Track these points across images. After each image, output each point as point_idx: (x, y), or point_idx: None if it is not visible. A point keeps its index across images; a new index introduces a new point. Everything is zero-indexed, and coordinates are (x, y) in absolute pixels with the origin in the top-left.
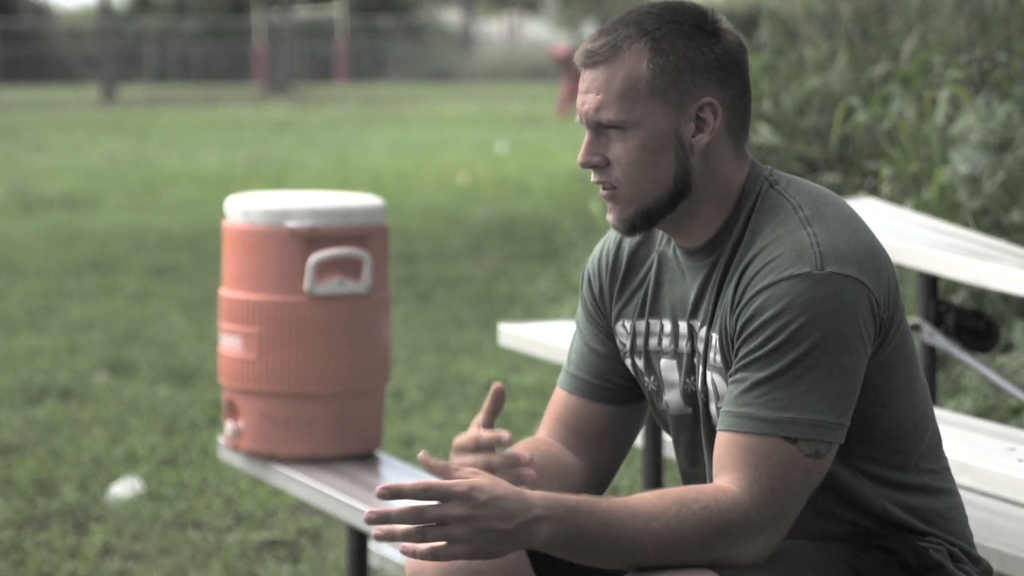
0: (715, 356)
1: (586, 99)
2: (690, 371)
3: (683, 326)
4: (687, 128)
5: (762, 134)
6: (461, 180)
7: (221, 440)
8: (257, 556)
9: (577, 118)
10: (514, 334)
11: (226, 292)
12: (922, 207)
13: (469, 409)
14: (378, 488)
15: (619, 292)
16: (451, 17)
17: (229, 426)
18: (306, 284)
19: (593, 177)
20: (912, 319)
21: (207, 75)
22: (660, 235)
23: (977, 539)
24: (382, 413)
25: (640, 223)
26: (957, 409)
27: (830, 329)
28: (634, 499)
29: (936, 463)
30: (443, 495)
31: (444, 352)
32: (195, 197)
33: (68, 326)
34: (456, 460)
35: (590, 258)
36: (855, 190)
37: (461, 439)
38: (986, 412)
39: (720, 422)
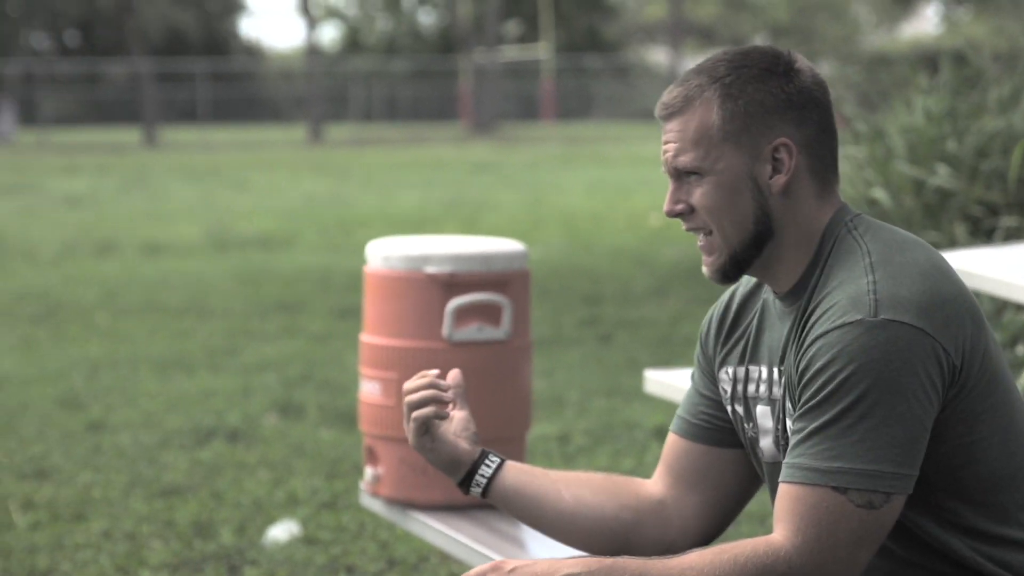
0: (788, 403)
1: (667, 148)
2: (778, 418)
3: (776, 372)
4: (763, 170)
5: (941, 176)
6: (654, 221)
7: (362, 485)
8: None
9: (662, 169)
10: (660, 380)
11: (366, 337)
12: None
13: (635, 455)
14: None
15: (725, 339)
16: (658, 57)
17: (369, 472)
18: (445, 330)
19: (684, 225)
20: None
21: (413, 115)
22: (765, 284)
23: None
24: (523, 459)
25: (731, 269)
26: None
27: (881, 377)
28: (676, 556)
29: None
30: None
31: (616, 396)
32: (388, 237)
33: (245, 367)
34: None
35: (709, 310)
36: None
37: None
38: None
39: (780, 474)
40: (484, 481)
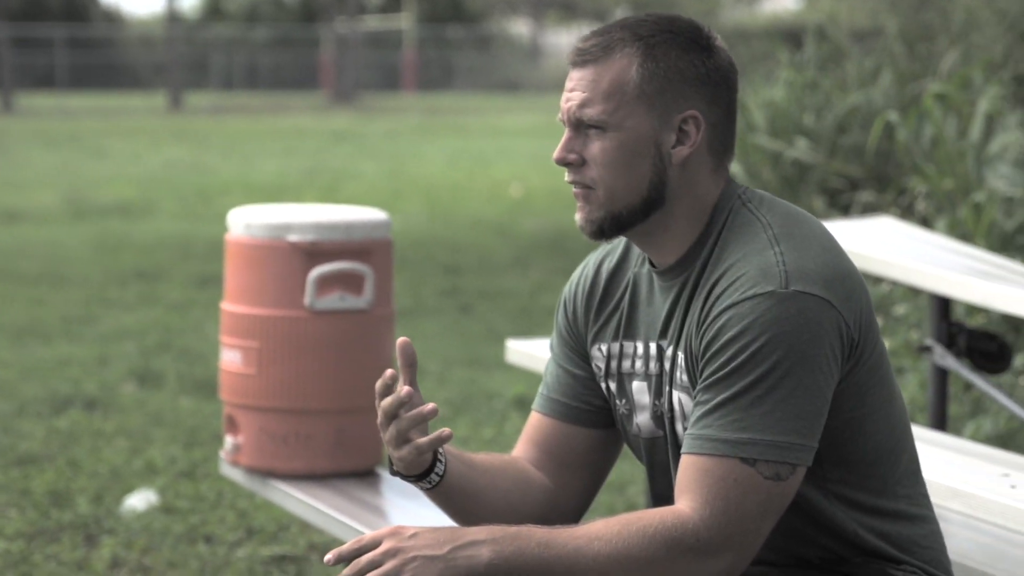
0: (681, 376)
1: (571, 96)
2: (659, 392)
3: (653, 347)
4: (668, 138)
5: (800, 148)
6: (514, 192)
7: (222, 454)
8: (265, 571)
9: (559, 116)
10: (522, 351)
11: (227, 306)
12: (956, 226)
13: (494, 424)
14: (326, 558)
15: (595, 315)
16: (520, 28)
17: (229, 441)
18: (307, 299)
19: (567, 176)
20: (924, 340)
21: (274, 84)
22: (635, 257)
23: (976, 565)
24: None
25: (608, 227)
26: (976, 433)
27: (793, 348)
28: (581, 524)
29: (913, 488)
30: (372, 542)
31: (476, 366)
32: (248, 205)
33: (103, 336)
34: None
35: (568, 283)
36: (890, 207)
37: (380, 383)
38: (1007, 437)
39: (683, 445)
40: (437, 479)
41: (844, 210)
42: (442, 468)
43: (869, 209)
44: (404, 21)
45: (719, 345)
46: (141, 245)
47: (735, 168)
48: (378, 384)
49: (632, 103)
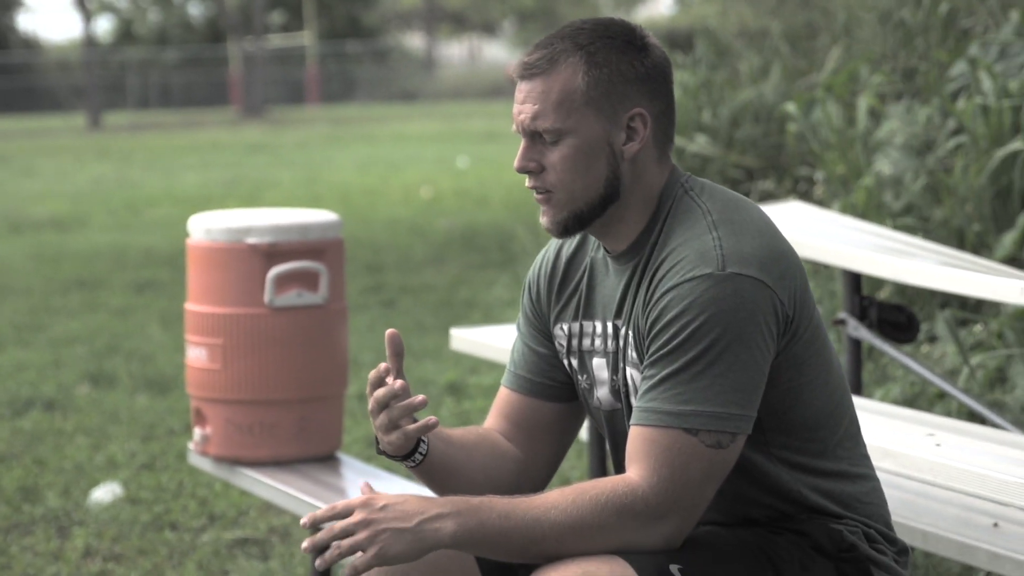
0: (632, 353)
1: (523, 109)
2: (615, 369)
3: (610, 326)
4: (619, 136)
5: (699, 143)
6: (425, 194)
7: (191, 446)
8: (229, 554)
9: (513, 127)
10: (465, 338)
11: (191, 306)
12: (849, 208)
13: (430, 409)
14: (302, 520)
15: (556, 297)
16: (415, 42)
17: (197, 432)
18: (266, 297)
19: (528, 182)
20: (838, 314)
21: (187, 102)
22: (592, 242)
23: (902, 519)
24: (342, 417)
25: (572, 225)
26: (885, 397)
27: (730, 326)
28: (539, 495)
29: (854, 450)
30: (345, 510)
31: (407, 356)
32: (175, 216)
33: (53, 341)
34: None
35: (531, 267)
36: (787, 195)
37: (374, 374)
38: (912, 399)
39: (631, 417)
40: (421, 457)
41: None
42: (425, 448)
43: (767, 197)
44: (306, 38)
45: (662, 324)
46: (78, 256)
47: None
48: (372, 375)
49: (582, 109)
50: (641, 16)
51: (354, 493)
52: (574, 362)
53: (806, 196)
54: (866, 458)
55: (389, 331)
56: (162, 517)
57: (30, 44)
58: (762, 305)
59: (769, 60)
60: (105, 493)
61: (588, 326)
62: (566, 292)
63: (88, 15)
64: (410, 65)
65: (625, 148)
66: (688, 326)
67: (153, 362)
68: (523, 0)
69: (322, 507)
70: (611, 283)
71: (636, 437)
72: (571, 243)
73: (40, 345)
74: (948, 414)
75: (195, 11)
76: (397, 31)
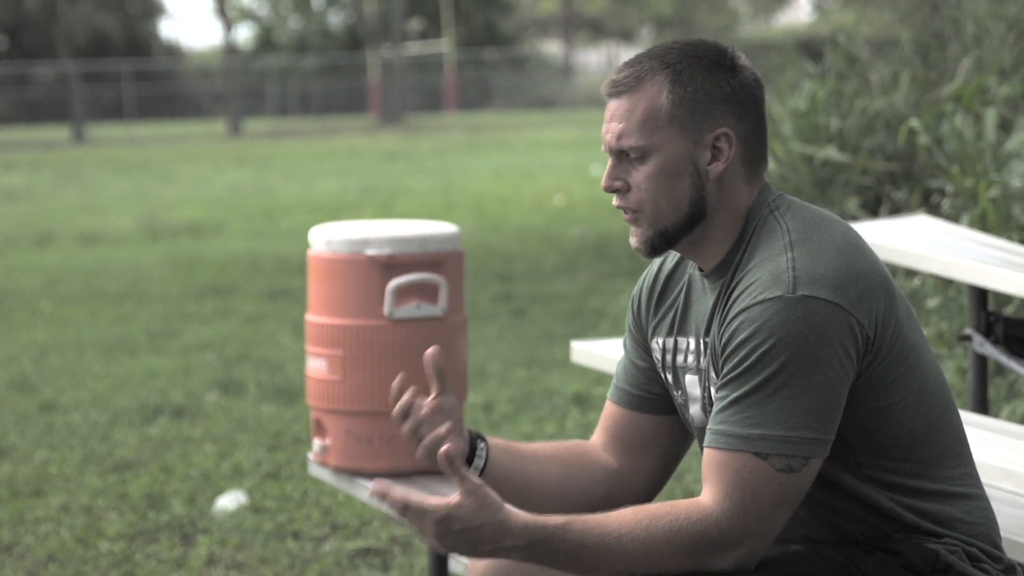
0: (712, 372)
1: (609, 127)
2: (704, 386)
3: (702, 343)
4: (703, 156)
5: (828, 152)
6: (558, 202)
7: (311, 456)
8: (351, 564)
9: (602, 146)
10: (586, 351)
11: (312, 317)
12: (977, 221)
13: (556, 420)
14: (371, 490)
15: (655, 311)
16: (552, 48)
17: (317, 443)
18: (386, 308)
19: (615, 201)
20: (964, 329)
21: (325, 109)
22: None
23: (1017, 538)
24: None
25: (659, 244)
26: (1012, 414)
27: (800, 349)
28: (611, 516)
29: (956, 469)
30: (419, 514)
31: (535, 366)
32: (309, 223)
33: (185, 348)
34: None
35: (637, 282)
36: (918, 206)
37: (396, 409)
38: None
39: (704, 439)
40: (477, 472)
41: (874, 208)
42: (481, 462)
43: (898, 207)
44: (444, 46)
45: (733, 346)
46: (213, 262)
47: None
48: (398, 408)
49: (666, 128)
50: (780, 23)
51: None
52: (669, 377)
53: (936, 208)
54: (971, 476)
55: (429, 350)
56: (285, 526)
57: (172, 51)
58: (836, 327)
59: (899, 70)
60: (230, 501)
61: (682, 342)
62: (664, 307)
63: (228, 23)
64: (547, 72)
65: (710, 168)
66: (757, 349)
67: (282, 370)
68: (661, 7)
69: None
70: (705, 301)
71: (708, 460)
72: (672, 259)
73: (172, 352)
74: None
75: (335, 19)
76: (535, 38)
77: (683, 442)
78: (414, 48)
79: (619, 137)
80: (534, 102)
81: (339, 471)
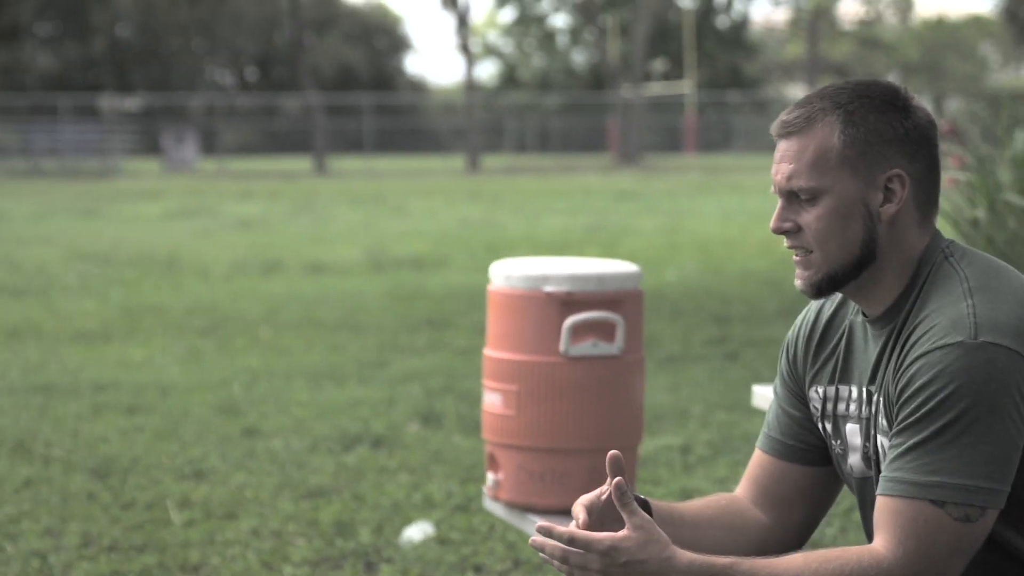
0: (882, 420)
1: (780, 168)
2: (867, 435)
3: (864, 392)
4: (875, 198)
5: None
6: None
7: (485, 490)
8: None
9: (772, 188)
10: (768, 395)
11: (489, 352)
12: None
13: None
14: (536, 526)
15: (813, 359)
16: (796, 92)
17: (490, 477)
18: (562, 345)
19: (786, 242)
20: None
21: (565, 146)
22: (852, 306)
23: None
24: (635, 468)
25: (826, 286)
26: None
27: (981, 396)
28: (781, 559)
29: None
30: (585, 546)
31: (737, 410)
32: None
33: (392, 378)
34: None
35: (791, 328)
36: None
37: (584, 501)
38: None
39: (878, 486)
40: None
41: None
42: None
43: None
44: (686, 87)
45: (911, 392)
46: (432, 295)
47: (981, 214)
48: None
49: (837, 169)
50: None
51: None
52: (828, 426)
53: None
54: None
55: (611, 453)
56: (468, 559)
57: (416, 86)
58: (1016, 376)
59: None
60: (417, 532)
61: (844, 390)
62: (823, 354)
63: (472, 59)
64: None
65: (882, 209)
66: (937, 395)
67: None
68: (908, 52)
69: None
70: (868, 348)
71: (882, 507)
72: (831, 305)
73: (379, 382)
74: None
75: (578, 58)
76: (778, 82)
77: (833, 493)
78: (656, 88)
79: (789, 178)
80: (775, 145)
81: (511, 506)
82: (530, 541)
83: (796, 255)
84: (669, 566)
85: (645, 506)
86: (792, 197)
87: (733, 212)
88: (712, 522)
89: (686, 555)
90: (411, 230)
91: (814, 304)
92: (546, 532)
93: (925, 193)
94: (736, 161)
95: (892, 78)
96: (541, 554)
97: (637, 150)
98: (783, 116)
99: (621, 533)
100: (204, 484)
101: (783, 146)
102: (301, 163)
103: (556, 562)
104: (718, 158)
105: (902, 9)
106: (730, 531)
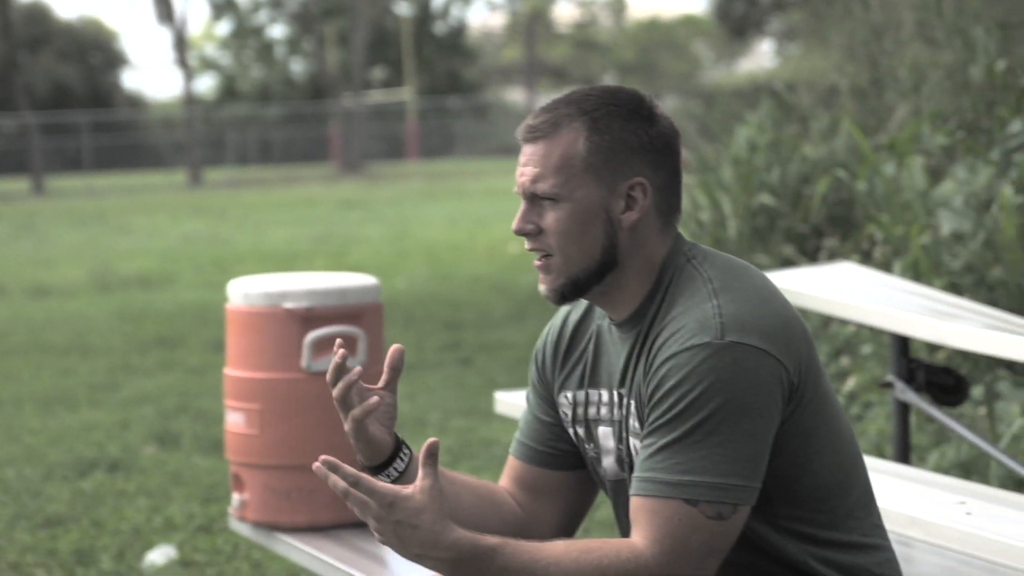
0: (634, 423)
1: (524, 171)
2: (620, 438)
3: (615, 395)
4: (617, 205)
5: (763, 199)
6: (512, 249)
7: (230, 511)
8: None
9: (515, 188)
10: (510, 402)
11: (230, 371)
12: (908, 268)
13: (493, 471)
14: (320, 458)
15: (562, 365)
16: (515, 96)
17: (236, 497)
18: (304, 361)
19: (527, 244)
20: (886, 376)
21: (287, 158)
22: (599, 311)
23: None
24: None
25: (569, 292)
26: (941, 459)
27: (730, 396)
28: (545, 544)
29: (865, 520)
30: (368, 492)
31: (475, 415)
32: (261, 273)
33: (125, 401)
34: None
35: (539, 337)
36: (850, 253)
37: (331, 366)
38: (970, 463)
39: (632, 487)
40: (396, 474)
41: (812, 256)
42: (403, 465)
43: (834, 255)
44: (406, 94)
45: (661, 393)
46: (161, 314)
47: (705, 216)
48: (332, 365)
49: (580, 175)
50: (743, 69)
51: (394, 560)
52: (580, 431)
53: (870, 256)
54: (879, 528)
55: (395, 346)
56: None
57: (134, 102)
58: (764, 374)
59: (838, 117)
60: (160, 556)
61: (594, 394)
62: (571, 360)
63: (189, 72)
64: (510, 120)
65: (623, 217)
66: (687, 396)
67: (219, 423)
68: (623, 54)
69: (357, 575)
70: (617, 351)
71: (638, 507)
72: (578, 312)
73: (111, 405)
74: (1002, 478)
75: (297, 68)
76: (497, 86)
77: (589, 497)
78: (376, 96)
79: (534, 181)
80: (496, 149)
81: (258, 525)
82: (314, 467)
83: (537, 259)
84: (438, 539)
85: (405, 447)
86: (535, 200)
87: (458, 217)
88: (469, 488)
89: (456, 531)
90: (136, 248)
91: (562, 311)
92: (332, 467)
93: (667, 201)
94: (458, 166)
95: (608, 79)
96: (319, 473)
97: (360, 158)
98: (529, 120)
99: (407, 491)
100: None
101: (528, 150)
102: (18, 184)
103: (338, 493)
104: (440, 164)
105: (616, 11)
106: (485, 501)
